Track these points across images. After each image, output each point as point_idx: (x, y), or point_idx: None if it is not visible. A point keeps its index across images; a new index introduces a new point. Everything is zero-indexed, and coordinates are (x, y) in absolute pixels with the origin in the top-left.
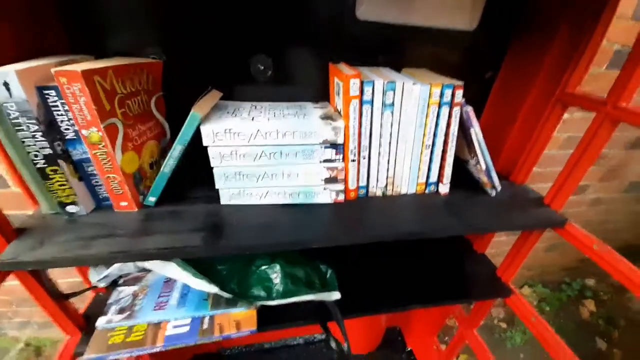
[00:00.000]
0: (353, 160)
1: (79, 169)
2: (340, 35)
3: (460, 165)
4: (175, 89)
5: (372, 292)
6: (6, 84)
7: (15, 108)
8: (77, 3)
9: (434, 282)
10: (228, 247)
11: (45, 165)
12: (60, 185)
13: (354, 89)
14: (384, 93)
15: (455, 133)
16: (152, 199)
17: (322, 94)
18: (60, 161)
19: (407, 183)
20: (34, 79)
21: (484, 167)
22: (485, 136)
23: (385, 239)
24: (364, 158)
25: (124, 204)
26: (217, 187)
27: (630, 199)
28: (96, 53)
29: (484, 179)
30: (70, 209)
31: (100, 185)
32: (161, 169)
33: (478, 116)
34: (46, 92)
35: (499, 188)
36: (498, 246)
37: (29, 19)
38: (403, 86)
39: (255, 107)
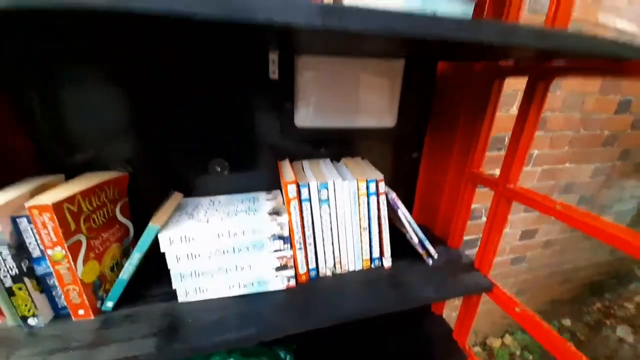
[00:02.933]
0: (300, 249)
1: (42, 282)
2: (285, 139)
3: (402, 236)
4: (140, 192)
5: None
6: None
7: None
8: (51, 126)
9: (393, 354)
10: (182, 351)
11: (12, 284)
12: (23, 300)
13: (292, 192)
14: (318, 191)
15: (386, 216)
16: (109, 304)
17: (274, 183)
18: (25, 278)
19: (354, 261)
20: (10, 212)
21: (416, 240)
22: (423, 204)
23: (332, 323)
24: (310, 244)
25: (81, 312)
26: (174, 287)
27: (579, 237)
28: (66, 169)
29: (420, 250)
30: (31, 321)
31: (60, 295)
32: (119, 275)
33: (413, 189)
34: (19, 219)
35: (435, 256)
36: None
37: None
38: (334, 184)
39: (213, 203)
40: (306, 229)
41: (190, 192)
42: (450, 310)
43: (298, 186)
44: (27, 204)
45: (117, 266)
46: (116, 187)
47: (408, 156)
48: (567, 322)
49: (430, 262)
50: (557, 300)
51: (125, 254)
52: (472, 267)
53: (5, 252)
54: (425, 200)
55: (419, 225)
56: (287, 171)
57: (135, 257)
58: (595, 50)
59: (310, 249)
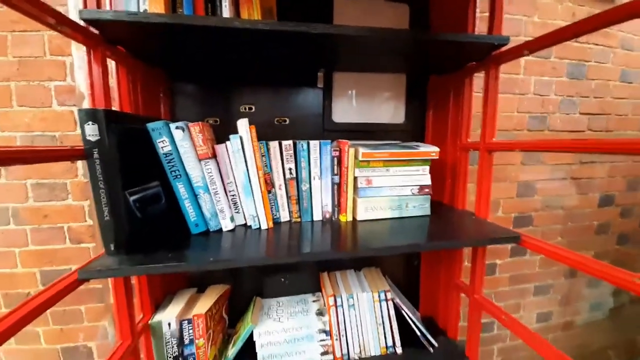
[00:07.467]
0: (337, 339)
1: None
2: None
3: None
4: (233, 296)
5: None
6: (169, 324)
7: (169, 335)
8: None
9: None
10: None
11: None
12: None
13: (331, 301)
14: (347, 300)
15: (394, 315)
16: None
17: (317, 286)
18: (180, 358)
19: (374, 348)
20: (179, 318)
21: (418, 333)
22: (427, 298)
23: None
24: (343, 336)
25: None
26: None
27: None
28: (195, 282)
29: (423, 341)
30: None
31: None
32: (229, 355)
33: (416, 288)
34: (184, 322)
35: (435, 345)
36: None
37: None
38: (357, 295)
39: (279, 304)
40: (340, 325)
41: (262, 294)
42: None
43: (335, 297)
44: (192, 314)
45: (222, 350)
46: (225, 295)
47: (412, 263)
48: None
49: (432, 350)
50: None
51: (223, 341)
52: (463, 355)
53: (174, 341)
54: (429, 294)
55: (426, 317)
56: (327, 284)
57: (239, 344)
58: None
59: (343, 340)
